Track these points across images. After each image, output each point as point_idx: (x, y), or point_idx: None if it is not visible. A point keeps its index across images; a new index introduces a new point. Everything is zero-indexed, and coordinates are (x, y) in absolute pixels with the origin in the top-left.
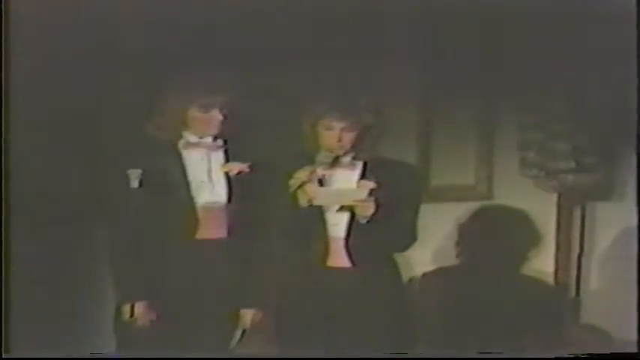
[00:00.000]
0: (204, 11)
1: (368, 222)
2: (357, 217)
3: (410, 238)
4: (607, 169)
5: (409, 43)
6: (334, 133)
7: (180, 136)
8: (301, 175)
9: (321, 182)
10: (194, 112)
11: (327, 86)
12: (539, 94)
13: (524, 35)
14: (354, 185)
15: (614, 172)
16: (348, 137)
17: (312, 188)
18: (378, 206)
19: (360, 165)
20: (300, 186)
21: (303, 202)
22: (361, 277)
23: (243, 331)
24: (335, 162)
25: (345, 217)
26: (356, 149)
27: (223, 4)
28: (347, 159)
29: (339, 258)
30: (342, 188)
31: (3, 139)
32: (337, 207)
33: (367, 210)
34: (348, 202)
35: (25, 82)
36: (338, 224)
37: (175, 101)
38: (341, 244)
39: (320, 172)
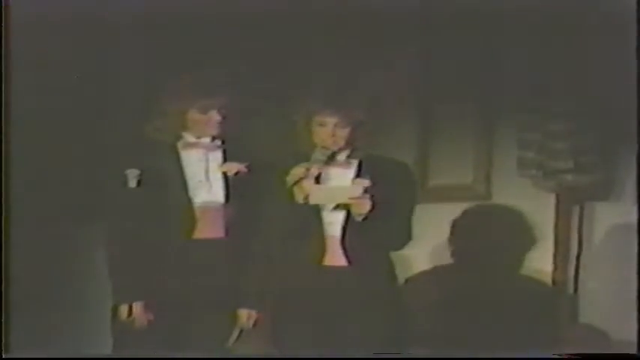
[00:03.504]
0: (203, 13)
1: (364, 220)
2: (353, 214)
3: (405, 236)
4: (605, 168)
5: (408, 42)
6: (328, 129)
7: (180, 137)
8: (298, 171)
9: (317, 180)
10: (193, 114)
11: (324, 86)
12: (537, 93)
13: (523, 35)
14: (349, 183)
15: (612, 171)
16: (342, 133)
17: (308, 185)
18: (373, 204)
19: (355, 163)
20: (297, 182)
21: (299, 198)
22: (357, 276)
23: (241, 331)
24: (330, 159)
25: (340, 215)
26: (351, 147)
27: (222, 5)
28: (342, 157)
29: (335, 257)
30: (337, 186)
31: (3, 139)
32: (333, 205)
33: (363, 208)
34: (343, 200)
35: (25, 82)
36: (334, 223)
37: (175, 103)
38: (337, 242)
39: (316, 169)
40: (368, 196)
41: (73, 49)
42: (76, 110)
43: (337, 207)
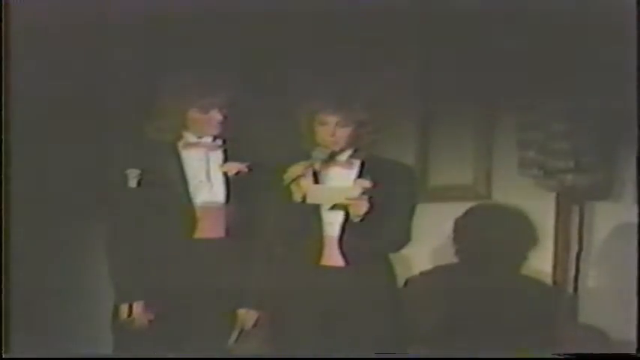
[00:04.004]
0: (202, 12)
1: (361, 221)
2: (351, 215)
3: (404, 238)
4: (606, 168)
5: (409, 42)
6: (328, 128)
7: (181, 137)
8: (296, 169)
9: (316, 178)
10: (193, 113)
11: (325, 85)
12: (538, 93)
13: (523, 35)
14: (350, 184)
15: (612, 171)
16: (342, 132)
17: (306, 184)
18: (371, 205)
19: (357, 164)
20: (295, 180)
21: (297, 196)
22: (354, 276)
23: (240, 331)
24: (331, 159)
25: (339, 215)
26: (353, 146)
27: (222, 5)
28: (343, 157)
29: (332, 257)
30: (335, 186)
31: (3, 139)
32: (330, 205)
33: (360, 209)
34: (340, 200)
35: (25, 82)
36: (333, 223)
37: (175, 103)
38: (335, 243)
39: (315, 167)
40: (366, 197)
41: (73, 49)
42: (76, 110)
43: (335, 207)
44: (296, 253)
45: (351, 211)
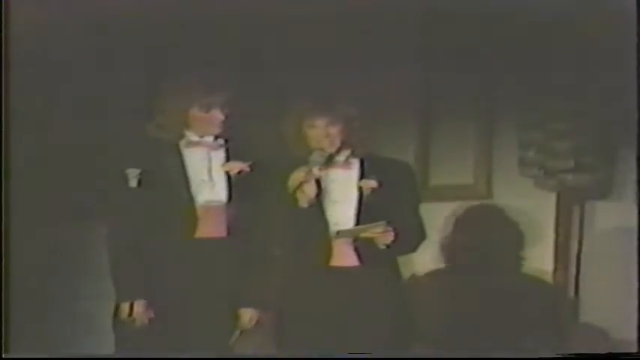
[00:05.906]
0: (204, 11)
1: (388, 247)
2: (378, 244)
3: (419, 237)
4: (606, 168)
5: (409, 43)
6: (320, 130)
7: (182, 136)
8: (298, 176)
9: (318, 182)
10: (195, 112)
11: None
12: (538, 93)
13: (524, 35)
14: (354, 185)
15: (613, 171)
16: (335, 131)
17: (311, 189)
18: (396, 235)
19: (356, 164)
20: (299, 187)
21: (303, 202)
22: (365, 277)
23: (241, 331)
24: (329, 161)
25: (345, 216)
26: (348, 145)
27: (223, 4)
28: (342, 158)
29: (344, 257)
30: (361, 226)
31: (3, 139)
32: (336, 206)
33: (387, 239)
34: (366, 235)
35: (24, 81)
36: (339, 224)
37: (176, 101)
38: (346, 243)
39: (316, 172)
40: (390, 229)
41: (73, 48)
42: (76, 109)
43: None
44: (302, 253)
45: (379, 242)
